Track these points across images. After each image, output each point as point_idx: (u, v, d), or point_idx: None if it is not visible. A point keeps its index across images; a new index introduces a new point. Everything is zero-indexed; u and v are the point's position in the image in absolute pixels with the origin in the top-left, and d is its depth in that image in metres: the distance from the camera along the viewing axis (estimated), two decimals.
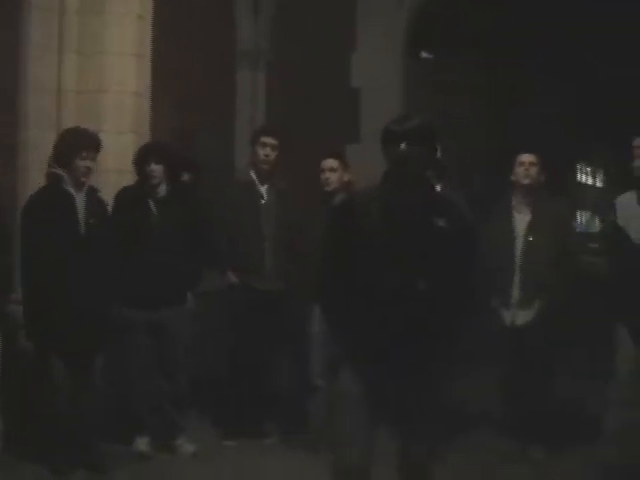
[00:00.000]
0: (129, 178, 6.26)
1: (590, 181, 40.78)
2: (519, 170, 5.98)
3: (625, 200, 5.79)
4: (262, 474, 5.72)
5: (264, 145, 6.31)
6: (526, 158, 5.99)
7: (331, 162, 6.19)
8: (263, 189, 6.34)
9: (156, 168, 5.92)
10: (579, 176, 38.03)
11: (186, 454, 6.01)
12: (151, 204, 5.95)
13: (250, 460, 5.94)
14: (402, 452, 4.09)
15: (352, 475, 4.02)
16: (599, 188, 40.38)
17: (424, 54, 15.47)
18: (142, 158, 6.01)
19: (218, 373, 6.47)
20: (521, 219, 6.00)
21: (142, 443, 5.97)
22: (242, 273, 6.23)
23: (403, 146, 3.84)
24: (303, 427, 6.24)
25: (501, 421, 6.12)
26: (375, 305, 3.85)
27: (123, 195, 6.01)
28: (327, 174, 6.15)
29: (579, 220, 34.15)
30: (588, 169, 40.04)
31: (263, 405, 6.37)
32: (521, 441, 6.02)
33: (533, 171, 5.97)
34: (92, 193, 5.66)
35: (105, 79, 6.74)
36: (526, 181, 5.96)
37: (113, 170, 6.41)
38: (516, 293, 5.92)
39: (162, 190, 5.99)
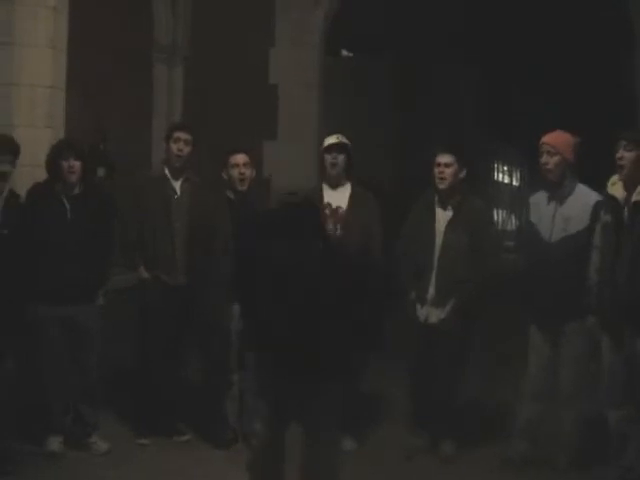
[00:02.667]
0: (42, 173, 6.15)
1: (507, 180, 41.48)
2: (436, 171, 5.96)
3: (536, 199, 5.88)
4: (175, 472, 5.68)
5: (177, 140, 6.28)
6: (442, 159, 5.94)
7: (242, 157, 6.16)
8: (176, 184, 6.31)
9: (75, 164, 5.85)
10: (496, 175, 38.64)
11: (99, 452, 5.95)
12: (65, 200, 5.87)
13: (163, 458, 5.90)
14: (307, 445, 4.44)
15: (261, 459, 4.47)
16: (515, 187, 41.10)
17: (344, 52, 15.55)
18: (58, 153, 5.93)
19: (131, 370, 6.41)
20: (443, 216, 5.98)
21: (54, 442, 5.88)
22: (154, 268, 6.19)
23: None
24: (217, 424, 6.22)
25: (413, 416, 6.17)
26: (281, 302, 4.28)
27: (35, 191, 5.92)
28: (242, 169, 6.12)
29: (497, 219, 34.66)
30: (505, 168, 40.72)
31: (177, 403, 6.34)
32: (432, 436, 6.09)
33: (449, 172, 5.93)
34: (12, 198, 5.59)
35: (19, 72, 6.61)
36: (442, 185, 5.93)
37: (27, 164, 6.28)
38: (432, 291, 5.93)
39: (76, 186, 5.92)
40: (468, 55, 16.46)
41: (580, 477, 5.61)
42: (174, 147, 6.27)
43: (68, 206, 5.86)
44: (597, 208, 5.38)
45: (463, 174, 5.99)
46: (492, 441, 6.24)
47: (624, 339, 5.05)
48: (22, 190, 5.82)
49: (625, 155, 5.01)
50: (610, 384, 5.21)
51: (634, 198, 4.99)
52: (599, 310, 5.22)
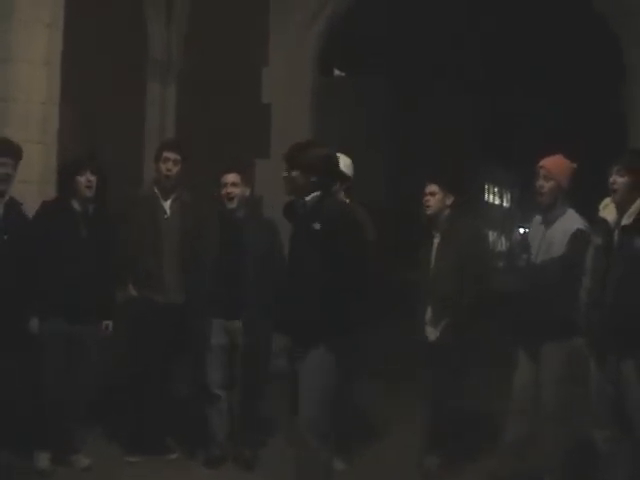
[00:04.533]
0: (34, 189, 6.16)
1: (497, 201, 41.60)
2: (423, 200, 6.18)
3: (535, 220, 5.98)
4: None
5: (166, 160, 6.30)
6: (427, 188, 6.17)
7: (233, 177, 6.19)
8: (166, 204, 6.32)
9: (92, 179, 5.86)
10: (487, 196, 38.76)
11: (81, 467, 5.93)
12: (79, 220, 5.88)
13: (151, 476, 5.90)
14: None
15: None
16: (506, 208, 41.18)
17: (336, 71, 15.62)
18: (69, 170, 5.93)
19: (120, 387, 6.40)
20: (435, 242, 6.18)
21: (43, 458, 5.86)
22: (143, 287, 6.20)
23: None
24: (206, 441, 6.22)
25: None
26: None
27: (47, 208, 5.90)
28: (230, 189, 6.15)
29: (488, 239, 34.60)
30: (496, 189, 40.86)
31: (165, 420, 6.32)
32: (418, 451, 6.13)
33: (434, 201, 6.14)
34: (13, 206, 5.59)
35: (12, 87, 6.62)
36: (427, 211, 6.16)
37: (18, 180, 6.27)
38: (429, 311, 6.10)
39: (91, 202, 5.93)
40: (466, 80, 16.63)
41: None
42: (163, 167, 6.29)
43: (83, 223, 5.86)
44: (575, 236, 5.48)
45: (450, 200, 6.17)
46: (479, 456, 6.28)
47: (610, 360, 5.09)
48: None
49: (618, 180, 5.07)
50: (596, 405, 5.24)
51: (623, 222, 5.04)
52: (587, 331, 5.26)
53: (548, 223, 5.75)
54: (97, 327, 6.00)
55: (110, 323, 6.07)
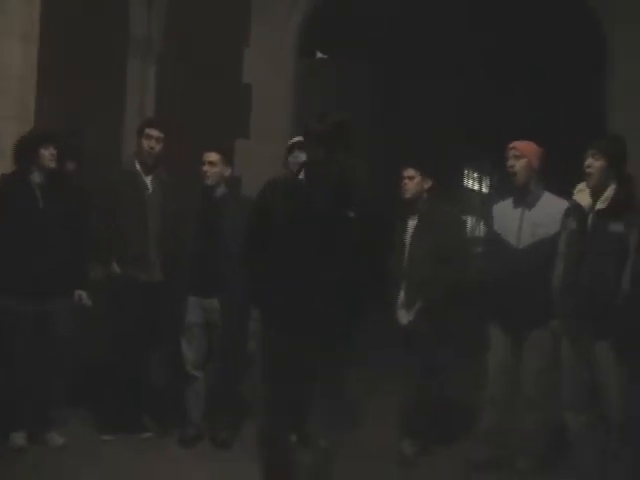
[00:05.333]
0: (9, 164, 6.10)
1: (477, 187, 41.66)
2: (401, 184, 6.16)
3: (500, 208, 6.00)
4: (137, 468, 5.67)
5: (149, 137, 6.28)
6: (405, 172, 6.16)
7: (212, 156, 6.18)
8: (148, 180, 6.30)
9: (50, 153, 5.83)
10: (466, 181, 38.83)
11: (55, 446, 5.93)
12: (37, 192, 5.83)
13: (126, 454, 5.88)
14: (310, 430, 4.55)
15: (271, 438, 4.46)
16: (485, 194, 41.23)
17: (319, 54, 15.55)
18: (32, 142, 5.89)
19: (98, 365, 6.38)
20: (411, 224, 6.16)
21: (19, 437, 5.85)
22: (126, 264, 6.17)
23: (322, 147, 4.32)
24: (181, 421, 6.22)
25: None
26: (291, 282, 4.31)
27: (4, 181, 5.88)
28: (206, 167, 6.15)
29: (465, 225, 34.68)
30: (475, 175, 40.92)
31: (141, 398, 6.31)
32: (396, 435, 6.16)
33: (411, 185, 6.12)
34: None
35: None
36: (405, 194, 6.14)
37: None
38: (402, 294, 6.07)
39: (48, 178, 5.89)
40: (451, 67, 16.60)
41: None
42: (146, 144, 6.27)
43: (40, 194, 5.82)
44: (567, 214, 5.46)
45: (428, 185, 6.16)
46: (455, 443, 6.33)
47: (585, 345, 5.12)
48: None
49: (593, 164, 5.10)
50: (570, 389, 5.27)
51: (598, 206, 5.07)
52: (561, 315, 5.29)
53: (528, 204, 5.78)
54: (69, 299, 5.95)
55: (83, 293, 6.03)
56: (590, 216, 5.14)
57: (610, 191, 5.06)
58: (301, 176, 4.51)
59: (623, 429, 5.02)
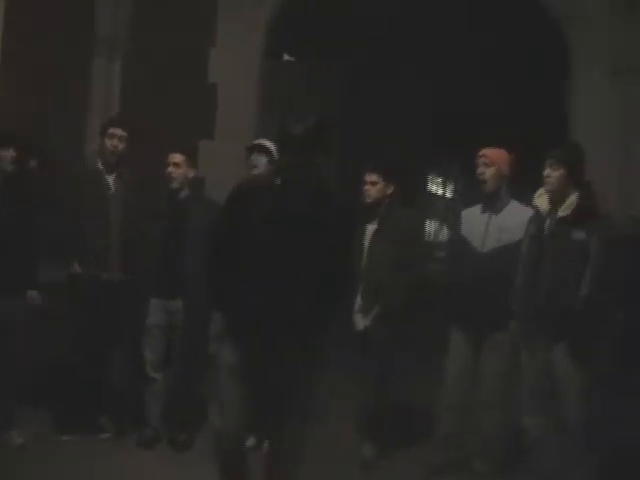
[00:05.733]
0: None
1: (440, 192, 41.85)
2: (363, 188, 6.15)
3: (469, 212, 6.04)
4: (94, 469, 5.62)
5: (111, 136, 6.26)
6: (368, 177, 6.14)
7: (176, 157, 6.17)
8: (110, 179, 6.28)
9: (7, 154, 5.79)
10: (430, 186, 38.98)
11: (13, 446, 5.87)
12: None
13: (84, 455, 5.84)
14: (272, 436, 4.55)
15: (226, 441, 4.37)
16: (449, 199, 41.40)
17: (286, 56, 15.53)
18: None
19: (57, 365, 6.34)
20: (370, 228, 6.15)
21: None
22: (87, 263, 6.13)
23: (301, 150, 4.23)
24: (139, 422, 6.19)
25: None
26: (257, 287, 4.23)
27: None
28: (171, 169, 6.13)
29: (428, 230, 34.95)
30: (439, 180, 41.10)
31: (101, 399, 6.28)
32: (355, 439, 6.17)
33: (374, 190, 6.11)
34: None
35: None
36: (367, 199, 6.13)
37: None
38: (359, 299, 6.06)
39: (5, 179, 5.85)
40: (420, 69, 16.66)
41: None
42: (108, 143, 6.25)
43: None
44: (531, 222, 5.51)
45: (390, 190, 6.17)
46: (415, 446, 6.35)
47: (541, 348, 5.18)
48: None
49: (552, 173, 5.16)
50: (527, 392, 5.33)
51: (561, 213, 5.13)
52: (520, 319, 5.34)
53: (496, 210, 5.82)
54: (22, 300, 5.90)
55: (35, 293, 5.98)
56: (548, 221, 5.21)
57: (572, 199, 5.12)
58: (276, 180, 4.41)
59: (581, 433, 5.07)
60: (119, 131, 6.27)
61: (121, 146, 6.26)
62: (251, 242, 4.29)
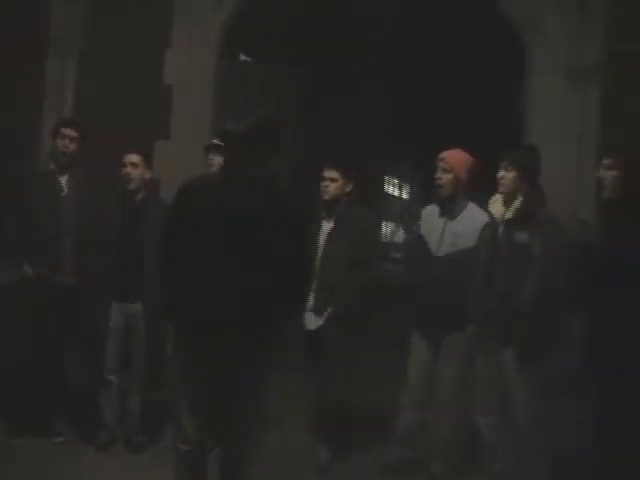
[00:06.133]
0: None
1: (397, 193, 42.04)
2: (321, 185, 6.09)
3: (428, 212, 6.04)
4: (48, 473, 5.57)
5: (63, 136, 6.20)
6: (327, 173, 6.09)
7: (133, 157, 6.12)
8: (63, 180, 6.21)
9: None
10: (386, 187, 39.14)
11: None
12: None
13: (37, 459, 5.78)
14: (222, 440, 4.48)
15: (186, 443, 4.35)
16: (405, 200, 41.58)
17: (242, 56, 15.50)
18: None
19: (8, 369, 6.26)
20: (326, 227, 6.10)
21: None
22: (39, 265, 6.06)
23: (242, 148, 4.17)
24: (96, 425, 6.13)
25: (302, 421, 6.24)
26: (207, 287, 4.16)
27: None
28: (128, 169, 6.08)
29: (384, 230, 35.08)
30: (395, 181, 41.29)
31: (54, 402, 6.21)
32: (309, 441, 6.15)
33: (333, 187, 6.06)
34: None
35: None
36: (325, 196, 6.07)
37: None
38: (312, 298, 6.00)
39: None
40: (376, 70, 16.72)
41: None
42: (60, 144, 6.19)
43: None
44: (486, 228, 5.54)
45: (349, 188, 6.13)
46: (369, 448, 6.35)
47: (492, 349, 5.21)
48: None
49: (506, 175, 5.19)
50: (481, 392, 5.36)
51: (506, 216, 5.17)
52: (476, 322, 5.37)
53: (451, 215, 5.83)
54: None
55: None
56: (501, 225, 5.24)
57: (519, 201, 5.15)
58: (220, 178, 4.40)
59: (529, 433, 5.10)
60: (70, 132, 6.22)
61: (72, 147, 6.20)
62: (198, 241, 4.23)
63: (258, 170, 4.24)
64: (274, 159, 4.32)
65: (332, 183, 6.07)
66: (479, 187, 5.98)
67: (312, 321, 6.02)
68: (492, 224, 5.33)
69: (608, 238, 4.64)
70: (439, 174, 5.83)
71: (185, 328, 4.37)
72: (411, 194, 42.19)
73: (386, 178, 39.02)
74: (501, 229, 5.23)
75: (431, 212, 6.00)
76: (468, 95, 17.03)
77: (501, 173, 5.20)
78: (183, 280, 4.29)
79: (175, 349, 4.49)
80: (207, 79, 9.47)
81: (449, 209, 5.83)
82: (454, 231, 5.76)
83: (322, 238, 6.07)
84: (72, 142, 6.20)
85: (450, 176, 5.79)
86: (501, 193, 5.25)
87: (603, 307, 4.53)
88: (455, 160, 5.84)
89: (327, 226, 6.11)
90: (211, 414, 4.45)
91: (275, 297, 4.25)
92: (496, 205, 5.29)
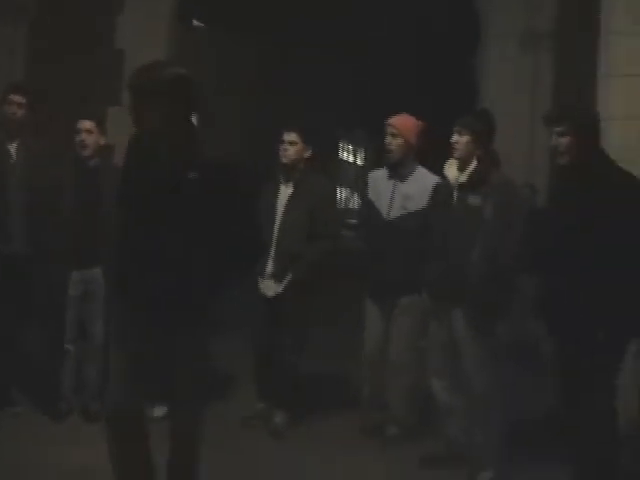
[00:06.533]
0: None
1: (351, 159, 42.08)
2: (280, 148, 6.04)
3: (375, 176, 6.08)
4: (3, 443, 5.51)
5: (11, 103, 6.09)
6: (286, 137, 6.04)
7: (87, 124, 6.04)
8: (12, 148, 6.12)
9: None
10: (341, 154, 39.16)
11: None
12: None
13: None
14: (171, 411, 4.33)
15: (120, 415, 4.09)
16: (360, 166, 41.64)
17: (196, 22, 15.35)
18: None
19: None
20: (285, 192, 6.06)
21: None
22: None
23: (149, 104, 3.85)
24: (52, 394, 6.10)
25: (254, 385, 6.24)
26: (143, 255, 3.94)
27: None
28: (83, 136, 6.00)
29: (339, 197, 35.11)
30: (350, 147, 41.31)
31: (9, 372, 6.16)
32: (267, 406, 6.18)
33: (292, 150, 6.02)
34: None
35: None
36: (284, 160, 6.02)
37: None
38: (270, 265, 5.99)
39: None
40: (328, 37, 16.68)
41: (409, 447, 5.79)
42: (7, 110, 6.09)
43: None
44: (435, 190, 5.57)
45: (308, 153, 6.10)
46: (326, 413, 6.41)
47: (444, 313, 5.26)
48: None
49: (459, 139, 5.20)
50: (433, 355, 5.42)
51: (460, 180, 5.20)
52: (428, 284, 5.41)
53: (401, 177, 5.87)
54: None
55: None
56: (455, 190, 5.27)
57: (473, 165, 5.18)
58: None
59: (481, 397, 5.16)
60: (18, 98, 6.10)
61: (20, 113, 6.09)
62: (139, 209, 4.00)
63: (177, 130, 3.93)
64: (189, 118, 4.00)
65: (291, 147, 6.02)
66: (431, 152, 6.02)
67: (271, 288, 6.00)
68: (443, 185, 5.37)
69: (561, 204, 4.67)
70: (388, 139, 5.88)
71: (129, 301, 4.13)
72: (365, 160, 42.25)
73: (341, 144, 39.02)
74: (455, 193, 5.25)
75: (379, 176, 6.05)
76: (424, 61, 17.05)
77: (455, 138, 5.22)
78: (132, 250, 4.09)
79: (114, 312, 4.33)
80: (159, 44, 9.39)
81: (399, 172, 5.89)
82: (404, 193, 5.82)
83: (280, 204, 6.04)
84: (20, 108, 6.09)
85: (399, 141, 5.86)
86: (455, 158, 5.26)
87: (555, 272, 4.57)
88: (403, 125, 5.90)
89: (285, 192, 6.08)
90: (151, 380, 4.35)
91: (221, 268, 4.05)
92: (451, 170, 5.31)
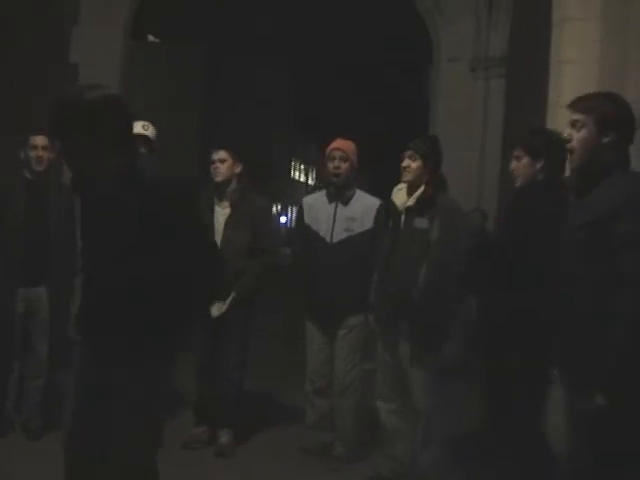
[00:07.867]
0: None
1: (303, 178, 42.18)
2: (211, 167, 6.06)
3: (311, 200, 6.15)
4: None
5: None
6: (216, 155, 6.05)
7: (42, 140, 5.90)
8: None
9: None
10: (293, 173, 39.25)
11: None
12: None
13: None
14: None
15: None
16: (310, 185, 41.78)
17: (150, 37, 15.34)
18: None
19: None
20: (221, 213, 6.04)
21: None
22: None
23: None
24: None
25: (195, 406, 6.21)
26: (93, 284, 3.72)
27: None
28: (40, 152, 5.90)
29: (289, 215, 35.11)
30: (302, 167, 41.42)
31: None
32: (211, 426, 6.14)
33: (223, 167, 6.02)
34: None
35: None
36: (217, 178, 6.03)
37: None
38: None
39: None
40: (282, 55, 16.76)
41: (355, 466, 5.81)
42: None
43: None
44: (380, 211, 5.71)
45: (239, 169, 6.09)
46: (272, 431, 6.43)
47: (390, 338, 5.29)
48: None
49: (410, 164, 5.25)
50: (380, 378, 5.44)
51: (408, 203, 5.24)
52: (374, 308, 5.45)
53: (344, 200, 5.95)
54: None
55: None
56: (402, 215, 5.31)
57: (420, 190, 5.23)
58: None
59: (426, 418, 5.19)
60: None
61: None
62: (89, 235, 3.79)
63: (104, 165, 3.55)
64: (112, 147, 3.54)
65: (222, 164, 6.02)
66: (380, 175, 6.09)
67: (216, 308, 5.93)
68: (391, 208, 5.42)
69: (510, 227, 4.73)
70: (337, 163, 5.93)
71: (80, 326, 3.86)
72: (316, 180, 42.37)
73: (293, 164, 39.07)
74: (403, 217, 5.29)
75: (315, 201, 6.11)
76: (376, 83, 17.20)
77: (406, 162, 5.26)
78: (84, 284, 3.84)
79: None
80: (113, 58, 9.37)
81: (341, 195, 5.95)
82: (348, 215, 5.88)
83: (219, 223, 6.00)
84: None
85: (347, 164, 5.94)
86: (405, 182, 5.31)
87: (495, 295, 4.63)
88: (350, 148, 6.01)
89: (221, 212, 6.05)
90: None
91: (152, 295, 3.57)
92: (400, 194, 5.36)
